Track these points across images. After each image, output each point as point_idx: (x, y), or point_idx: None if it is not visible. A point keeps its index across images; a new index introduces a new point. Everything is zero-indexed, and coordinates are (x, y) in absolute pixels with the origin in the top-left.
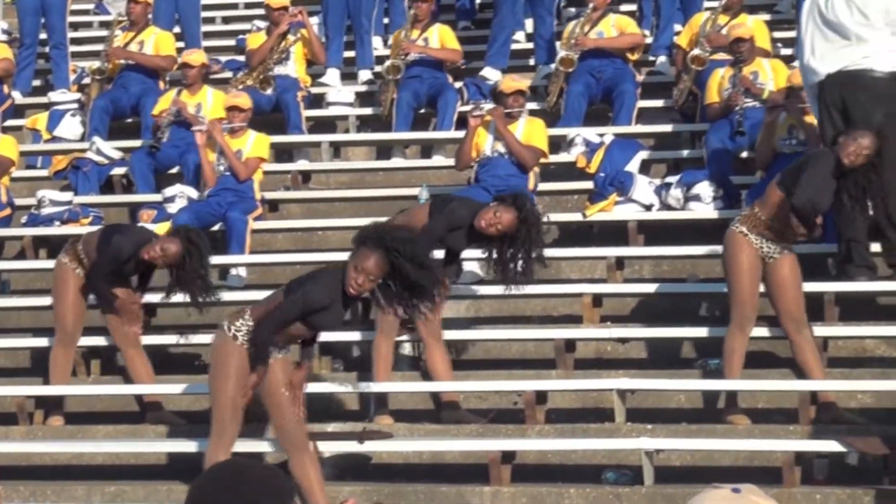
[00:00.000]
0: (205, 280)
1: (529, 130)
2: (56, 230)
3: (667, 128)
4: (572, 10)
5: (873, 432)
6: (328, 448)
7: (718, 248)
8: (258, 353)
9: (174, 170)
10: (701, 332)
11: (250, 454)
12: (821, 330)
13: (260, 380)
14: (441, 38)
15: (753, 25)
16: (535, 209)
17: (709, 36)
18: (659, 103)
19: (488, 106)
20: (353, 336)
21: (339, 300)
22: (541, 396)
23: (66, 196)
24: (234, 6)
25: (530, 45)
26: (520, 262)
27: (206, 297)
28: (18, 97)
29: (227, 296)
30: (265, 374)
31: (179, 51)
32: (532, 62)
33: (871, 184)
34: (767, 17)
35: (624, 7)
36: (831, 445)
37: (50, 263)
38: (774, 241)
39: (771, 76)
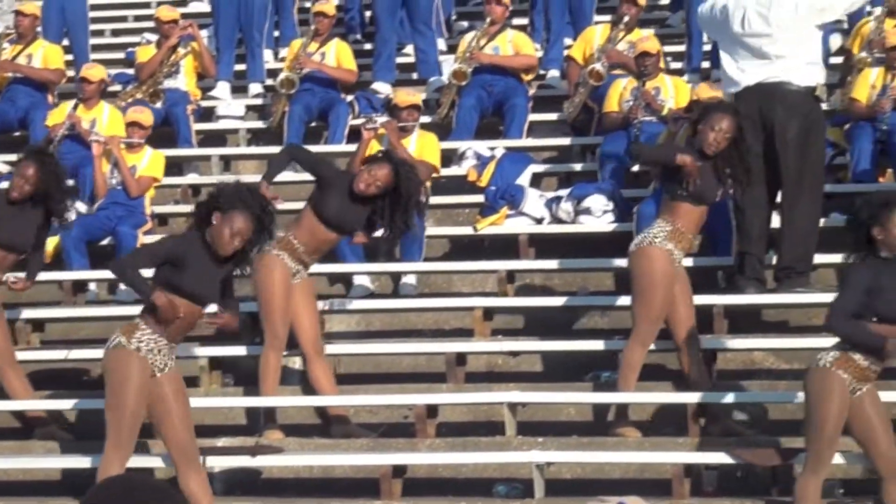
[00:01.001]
0: (64, 188)
1: (422, 145)
2: None
3: (558, 141)
4: (464, 23)
5: (762, 444)
6: (218, 463)
7: (610, 262)
8: (139, 289)
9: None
10: (592, 345)
11: (141, 469)
12: (710, 342)
13: (167, 308)
14: (338, 55)
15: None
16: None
17: (608, 51)
18: (550, 117)
19: (382, 119)
20: (243, 351)
21: (204, 262)
22: (432, 410)
23: None
24: (124, 19)
25: None
26: (406, 212)
27: (66, 206)
28: None
29: (116, 310)
30: (167, 302)
31: (68, 63)
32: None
33: (740, 161)
34: (658, 31)
35: (515, 21)
36: (720, 457)
37: None
38: (683, 251)
39: (672, 93)
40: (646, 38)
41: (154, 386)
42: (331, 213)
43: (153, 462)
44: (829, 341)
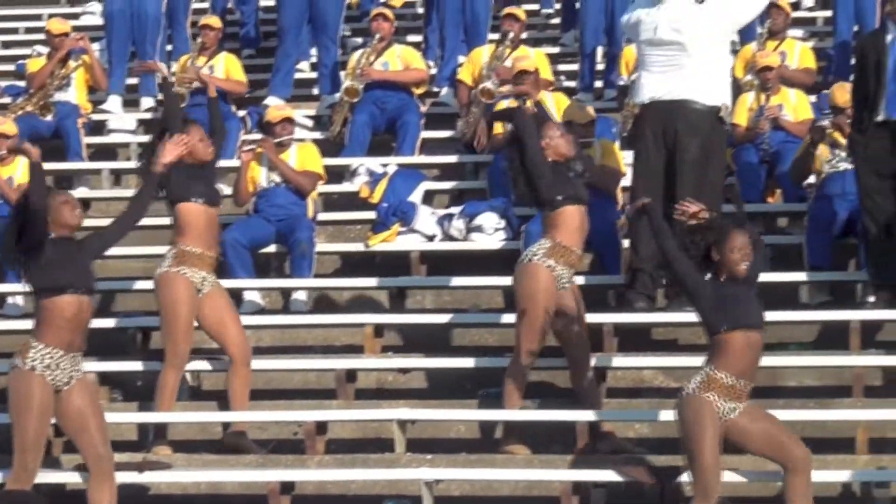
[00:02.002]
0: None
1: (303, 156)
2: None
3: (450, 159)
4: (358, 39)
5: (650, 461)
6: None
7: (501, 279)
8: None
9: None
10: (482, 362)
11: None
12: (600, 360)
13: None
14: (227, 68)
15: (536, 58)
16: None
17: (497, 69)
18: (443, 134)
19: (256, 138)
20: (136, 366)
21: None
22: (321, 427)
23: None
24: (14, 31)
25: (314, 75)
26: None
27: None
28: None
29: (2, 325)
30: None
31: None
32: (316, 91)
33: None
34: (554, 49)
35: (410, 38)
36: (608, 475)
37: None
38: (568, 267)
39: (553, 111)
40: (522, 57)
41: (60, 402)
42: (190, 187)
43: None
44: None
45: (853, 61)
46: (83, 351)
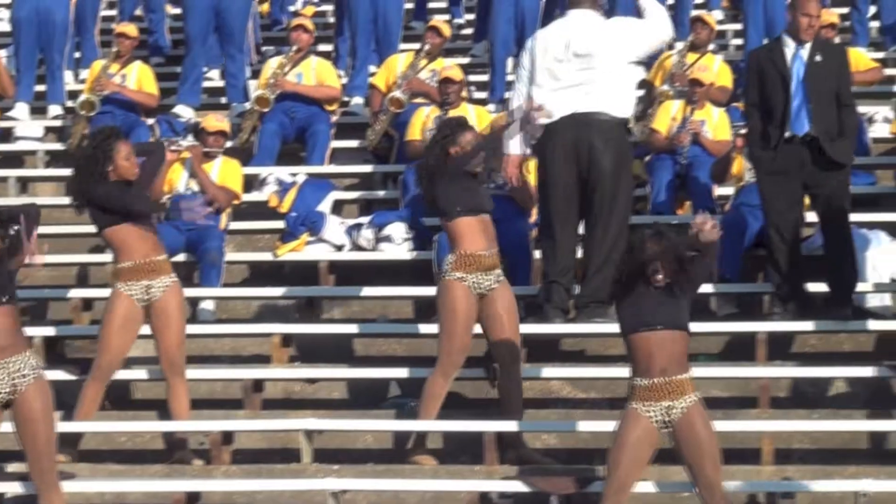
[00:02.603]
0: None
1: (225, 171)
2: None
3: (360, 168)
4: (272, 48)
5: (557, 472)
6: (8, 489)
7: (409, 289)
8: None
9: None
10: (390, 372)
11: None
12: None
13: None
14: (139, 78)
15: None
16: None
17: (410, 79)
18: (353, 144)
19: (187, 142)
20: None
21: None
22: (227, 436)
23: None
24: None
25: (223, 84)
26: None
27: None
28: None
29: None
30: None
31: None
32: (224, 100)
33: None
34: (464, 60)
35: (321, 47)
36: (515, 485)
37: None
38: (483, 272)
39: (475, 122)
40: (449, 66)
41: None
42: (125, 199)
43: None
44: (626, 371)
45: None
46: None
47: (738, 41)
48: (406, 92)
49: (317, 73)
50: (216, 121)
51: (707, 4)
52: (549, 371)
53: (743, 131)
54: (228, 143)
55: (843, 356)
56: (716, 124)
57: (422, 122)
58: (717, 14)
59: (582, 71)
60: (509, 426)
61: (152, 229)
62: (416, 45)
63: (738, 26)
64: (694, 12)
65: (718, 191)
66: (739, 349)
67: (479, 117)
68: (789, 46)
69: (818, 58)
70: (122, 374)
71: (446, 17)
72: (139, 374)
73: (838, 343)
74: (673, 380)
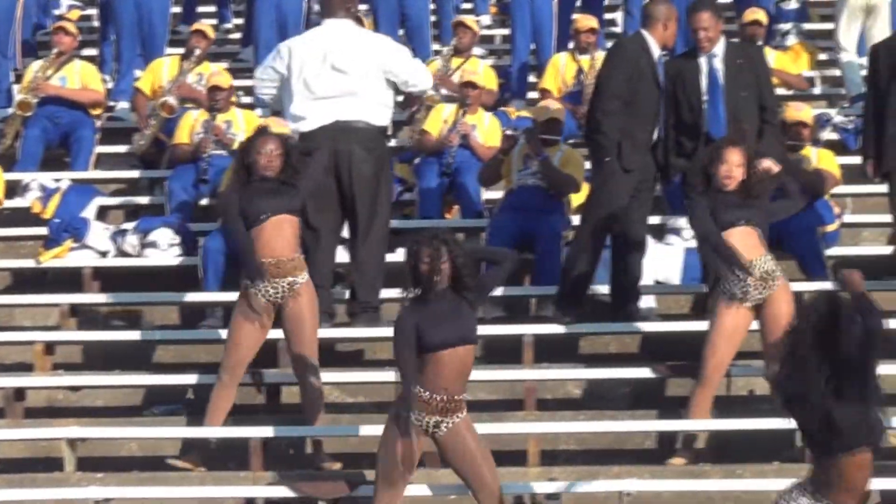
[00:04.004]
0: None
1: None
2: None
3: (125, 174)
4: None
5: (325, 476)
6: None
7: (175, 295)
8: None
9: None
10: (156, 379)
11: None
12: (274, 376)
13: None
14: (82, 77)
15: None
16: None
17: (180, 84)
18: (118, 149)
19: None
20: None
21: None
22: None
23: None
24: None
25: None
26: None
27: None
28: None
29: None
30: None
31: None
32: None
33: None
34: (230, 65)
35: (86, 52)
36: (282, 491)
37: None
38: (277, 278)
39: (243, 127)
40: (217, 73)
41: None
42: None
43: None
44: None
45: (531, 79)
46: None
47: (507, 46)
48: (177, 97)
49: (80, 77)
50: None
51: (475, 9)
52: (328, 376)
53: (513, 133)
54: None
55: (609, 358)
56: (487, 129)
57: (190, 126)
58: (485, 19)
59: (340, 82)
60: (277, 431)
61: None
62: (181, 50)
63: (507, 31)
64: (457, 17)
65: (486, 194)
66: (506, 352)
67: (248, 122)
68: (701, 57)
69: (732, 63)
70: None
71: (214, 21)
72: None
73: (604, 345)
74: (453, 399)
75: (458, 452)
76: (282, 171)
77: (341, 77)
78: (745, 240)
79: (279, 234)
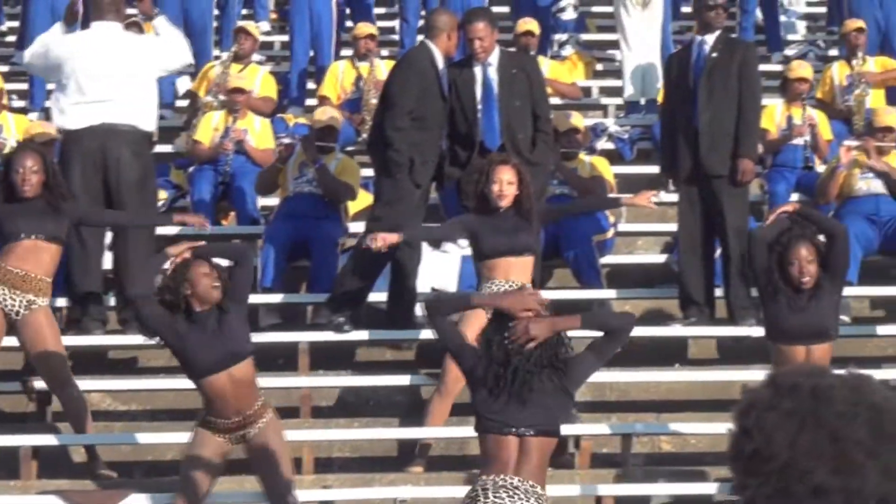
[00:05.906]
0: None
1: None
2: None
3: None
4: None
5: (101, 486)
6: None
7: None
8: None
9: None
10: None
11: None
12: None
13: None
14: None
15: None
16: None
17: None
18: None
19: None
20: None
21: None
22: None
23: None
24: None
25: None
26: None
27: None
28: None
29: None
30: None
31: None
32: None
33: None
34: (4, 68)
35: None
36: (53, 501)
37: None
38: (22, 291)
39: (14, 130)
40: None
41: None
42: None
43: None
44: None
45: (310, 86)
46: None
47: (286, 52)
48: None
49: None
50: None
51: (254, 16)
52: (89, 384)
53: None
54: None
55: (386, 365)
56: (259, 133)
57: None
58: (265, 25)
59: (107, 86)
60: (45, 440)
61: None
62: None
63: (286, 38)
64: (239, 23)
65: (262, 201)
66: (283, 359)
67: (18, 125)
68: (476, 67)
69: (507, 72)
70: None
71: None
72: None
73: (380, 353)
74: (247, 414)
75: (264, 455)
76: (42, 190)
77: (108, 80)
78: (524, 270)
79: (35, 254)
